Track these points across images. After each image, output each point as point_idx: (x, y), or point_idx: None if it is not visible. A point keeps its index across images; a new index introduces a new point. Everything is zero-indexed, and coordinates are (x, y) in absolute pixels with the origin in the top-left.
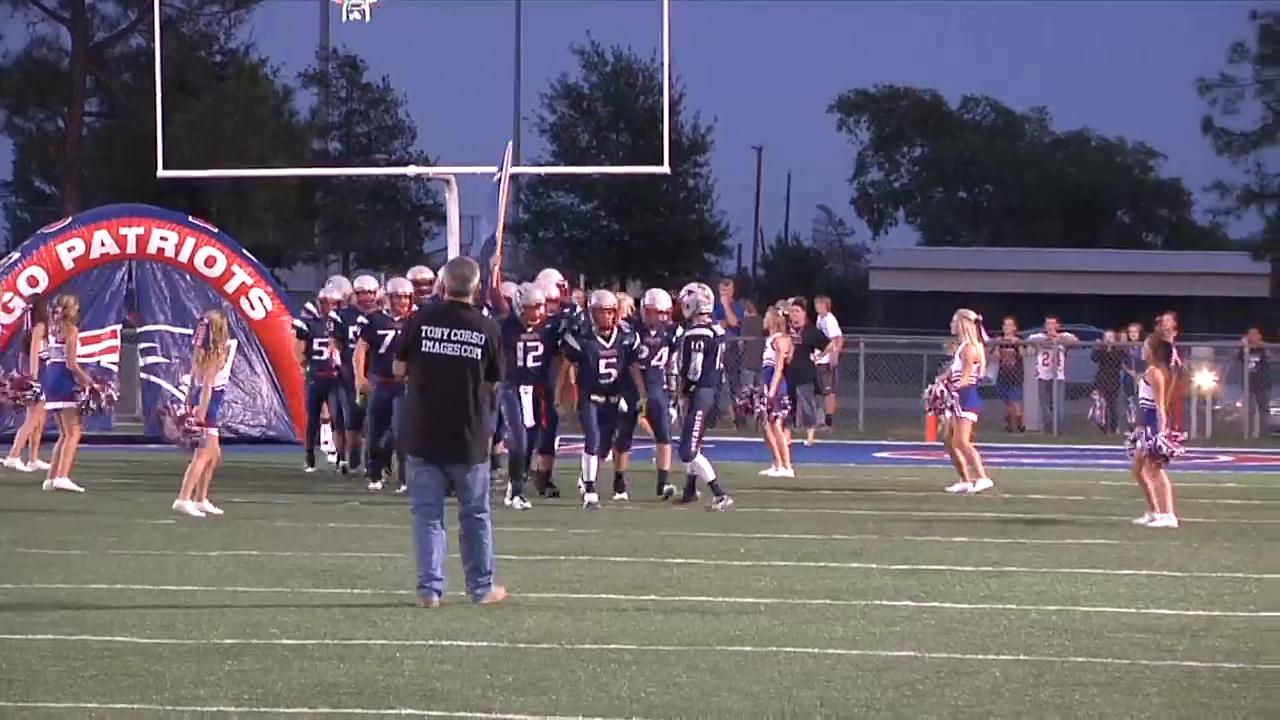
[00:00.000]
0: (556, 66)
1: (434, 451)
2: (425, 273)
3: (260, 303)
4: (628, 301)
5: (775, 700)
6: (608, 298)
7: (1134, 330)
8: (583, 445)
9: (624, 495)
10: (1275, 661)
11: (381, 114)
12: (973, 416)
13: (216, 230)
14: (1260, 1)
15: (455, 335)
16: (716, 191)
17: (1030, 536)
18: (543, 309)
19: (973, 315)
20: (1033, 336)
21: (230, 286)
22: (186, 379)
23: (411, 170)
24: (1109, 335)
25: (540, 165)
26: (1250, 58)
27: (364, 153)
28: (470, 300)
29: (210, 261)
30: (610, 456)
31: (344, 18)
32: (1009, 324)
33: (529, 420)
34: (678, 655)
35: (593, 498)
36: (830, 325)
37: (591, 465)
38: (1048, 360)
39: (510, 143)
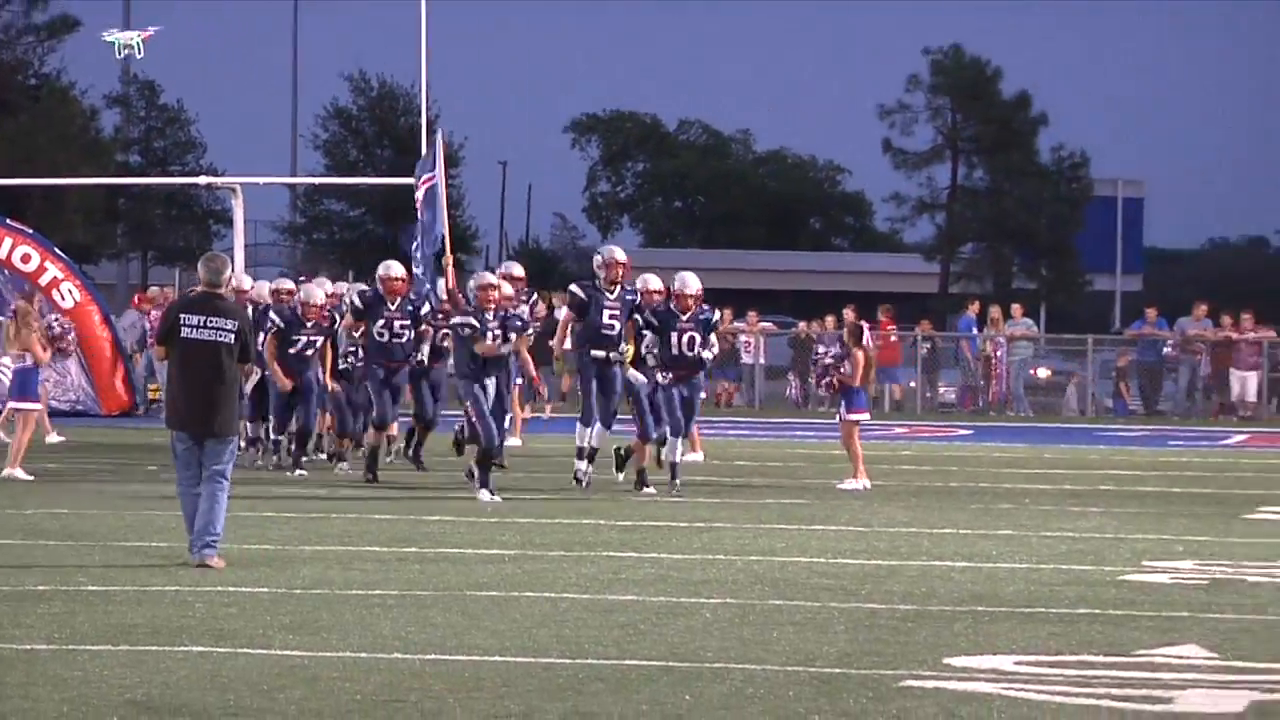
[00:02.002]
0: (329, 90)
1: (193, 425)
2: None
3: (70, 294)
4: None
5: (518, 638)
6: (488, 276)
7: (829, 320)
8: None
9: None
10: (944, 604)
11: (176, 131)
12: (856, 417)
13: (31, 231)
14: (931, 39)
15: (210, 322)
16: (468, 200)
17: (735, 497)
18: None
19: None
20: (735, 325)
21: (44, 280)
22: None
23: (203, 180)
24: (802, 325)
25: (314, 176)
26: (923, 88)
27: (161, 164)
28: (223, 291)
29: (26, 259)
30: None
31: (117, 54)
32: (726, 314)
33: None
34: (433, 599)
35: (582, 465)
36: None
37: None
38: (750, 347)
39: (439, 135)
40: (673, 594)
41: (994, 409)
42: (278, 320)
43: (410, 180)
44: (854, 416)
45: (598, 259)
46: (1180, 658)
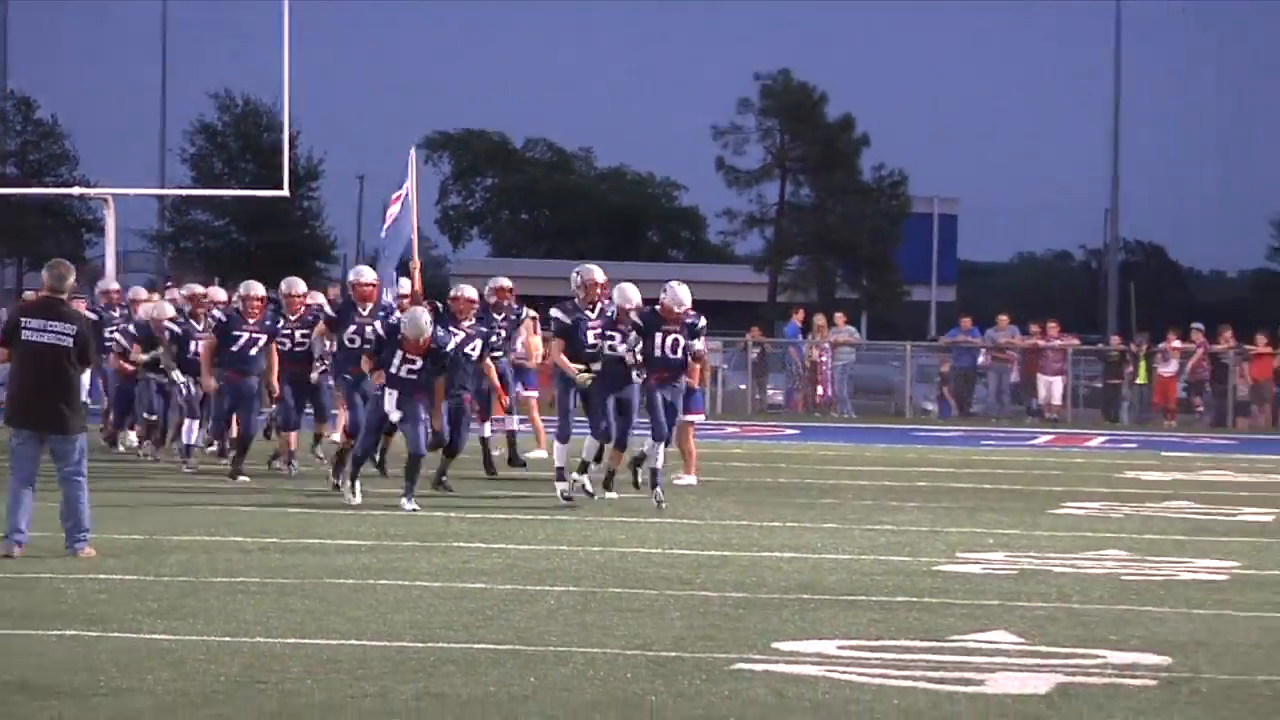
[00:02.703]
0: (196, 107)
1: (34, 423)
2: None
3: None
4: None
5: (373, 623)
6: (468, 289)
7: None
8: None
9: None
10: (773, 592)
11: (51, 144)
12: (692, 418)
13: None
14: (762, 65)
15: (50, 326)
16: (327, 212)
17: (578, 492)
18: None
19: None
20: None
21: None
22: None
23: (76, 190)
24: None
25: (182, 188)
26: (754, 110)
27: (36, 175)
28: (65, 296)
29: None
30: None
31: None
32: None
33: (393, 414)
34: (293, 586)
35: (563, 487)
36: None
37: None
38: None
39: (412, 151)
40: (519, 582)
41: (819, 410)
42: (219, 316)
43: (273, 192)
44: (690, 417)
45: (576, 279)
46: (991, 643)
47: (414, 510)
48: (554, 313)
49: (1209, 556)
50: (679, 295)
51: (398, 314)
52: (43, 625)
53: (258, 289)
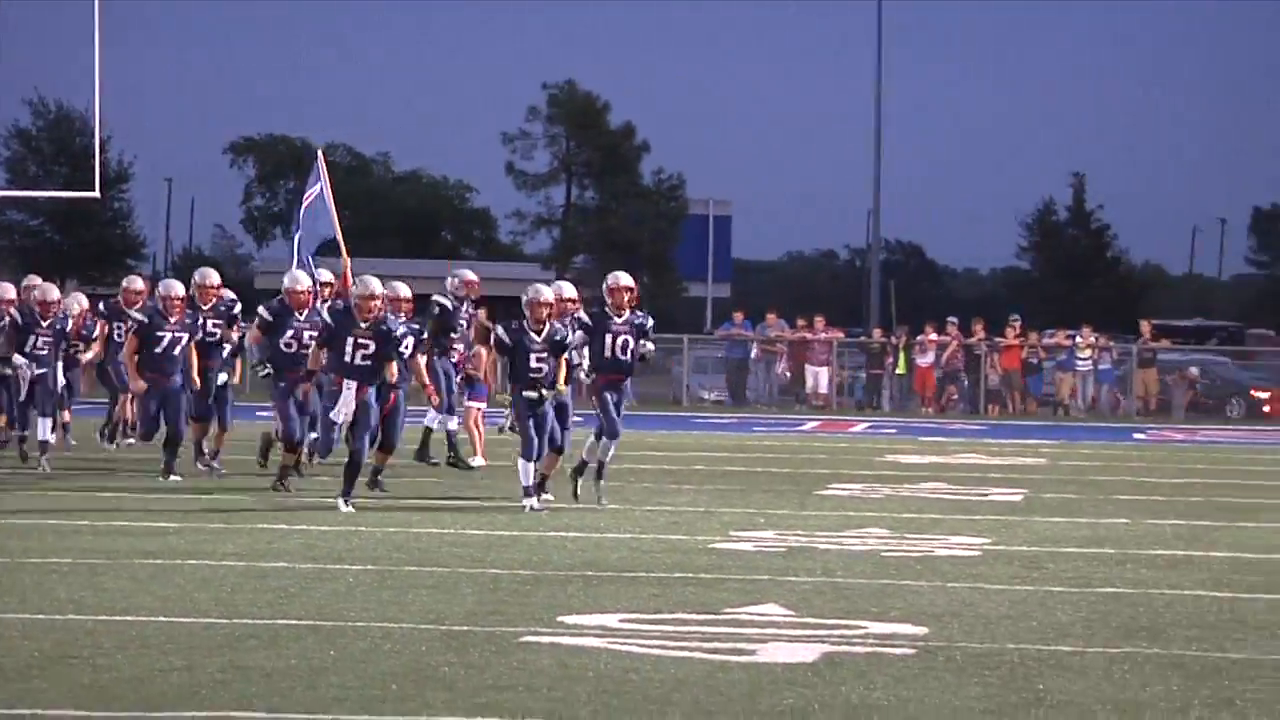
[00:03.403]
0: (9, 113)
1: None
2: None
3: None
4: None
5: (180, 601)
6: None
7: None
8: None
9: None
10: (559, 569)
11: None
12: (477, 404)
13: None
14: (549, 76)
15: None
16: (137, 212)
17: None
18: (377, 304)
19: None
20: None
21: None
22: None
23: None
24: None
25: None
26: (541, 118)
27: None
28: None
29: None
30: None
31: None
32: None
33: (344, 416)
34: (104, 566)
35: (531, 502)
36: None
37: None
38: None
39: (320, 153)
40: (320, 561)
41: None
42: (140, 318)
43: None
44: (474, 404)
45: (523, 299)
46: (762, 615)
47: (350, 512)
48: (498, 330)
49: (962, 534)
50: (620, 277)
51: (324, 306)
52: None
53: (178, 288)
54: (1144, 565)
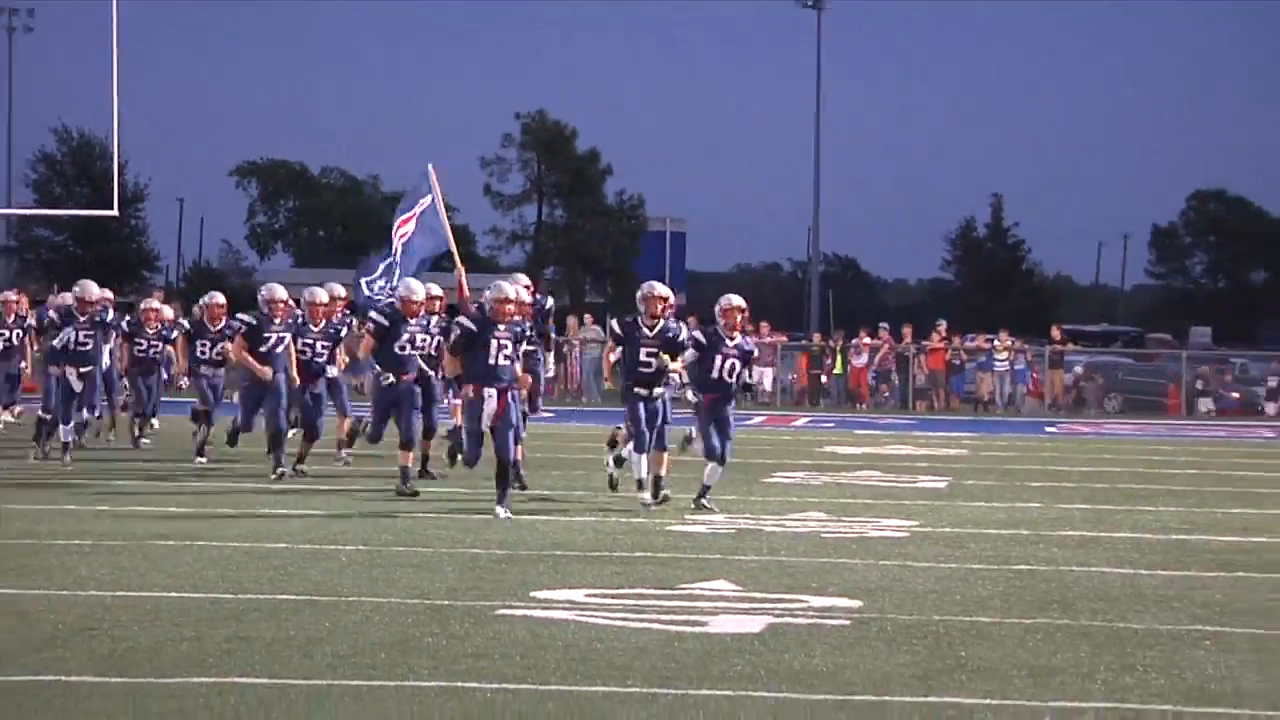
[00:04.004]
0: (37, 139)
1: None
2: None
3: None
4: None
5: (190, 578)
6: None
7: None
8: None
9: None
10: (531, 549)
11: None
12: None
13: None
14: (522, 106)
15: None
16: (152, 229)
17: (365, 466)
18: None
19: None
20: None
21: None
22: None
23: None
24: None
25: (24, 209)
26: (515, 144)
27: None
28: None
29: None
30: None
31: None
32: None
33: (485, 421)
34: (121, 547)
35: (644, 496)
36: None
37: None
38: None
39: (430, 168)
40: (316, 542)
41: (571, 395)
42: (250, 321)
43: (104, 212)
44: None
45: (638, 294)
46: (713, 590)
47: (509, 518)
48: (612, 324)
49: (893, 517)
50: (655, 287)
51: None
52: None
53: (280, 292)
54: (1055, 545)
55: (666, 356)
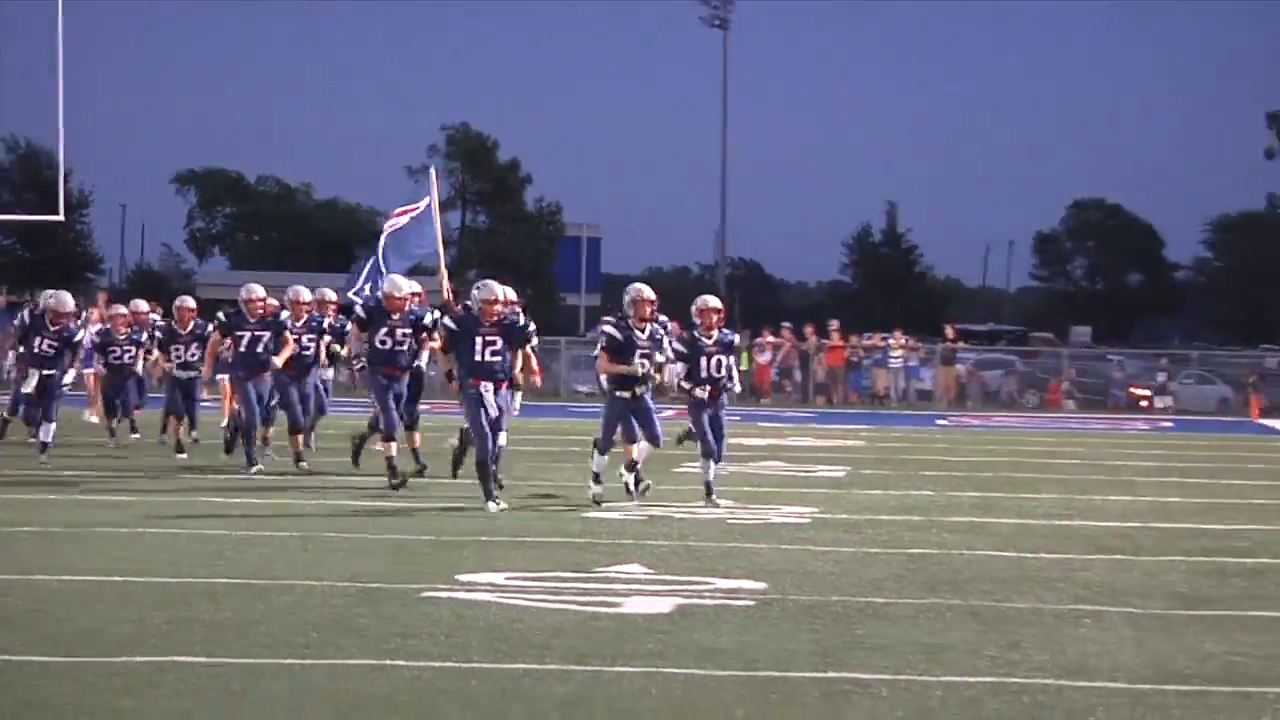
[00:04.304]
0: None
1: None
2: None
3: None
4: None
5: (133, 563)
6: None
7: None
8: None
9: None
10: (455, 535)
11: None
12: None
13: None
14: (446, 119)
15: None
16: (96, 233)
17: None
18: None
19: None
20: None
21: None
22: None
23: None
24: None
25: None
26: (441, 154)
27: None
28: None
29: None
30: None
31: None
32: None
33: (493, 412)
34: (66, 534)
35: (598, 490)
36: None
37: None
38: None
39: (433, 170)
40: (253, 529)
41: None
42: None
43: (51, 217)
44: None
45: (626, 297)
46: (627, 573)
47: (501, 508)
48: (605, 328)
49: (794, 504)
50: (709, 300)
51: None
52: None
53: (305, 294)
54: (946, 530)
55: (648, 365)
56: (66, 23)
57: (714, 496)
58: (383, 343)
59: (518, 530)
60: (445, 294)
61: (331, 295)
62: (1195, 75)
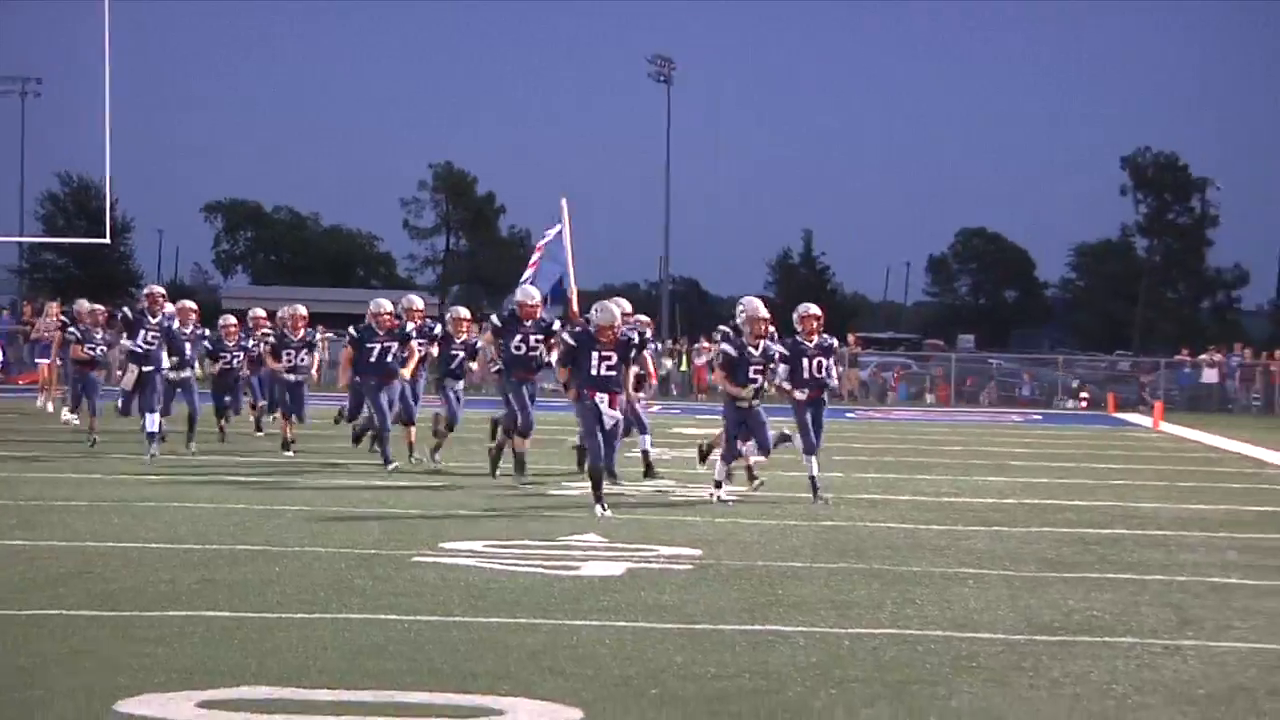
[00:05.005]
0: (45, 183)
1: None
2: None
3: None
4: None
5: (166, 532)
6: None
7: None
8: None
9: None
10: (438, 510)
11: None
12: None
13: None
14: (432, 157)
15: None
16: (136, 254)
17: (308, 444)
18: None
19: None
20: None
21: None
22: None
23: None
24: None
25: (34, 237)
26: (428, 188)
27: None
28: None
29: None
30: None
31: None
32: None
33: (608, 424)
34: (111, 508)
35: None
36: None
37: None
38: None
39: (564, 201)
40: (267, 504)
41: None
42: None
43: (99, 240)
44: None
45: (741, 315)
46: (584, 542)
47: (608, 515)
48: (723, 346)
49: (726, 484)
50: (810, 308)
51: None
52: None
53: (387, 305)
54: (853, 506)
55: (753, 388)
56: (112, 79)
57: (821, 492)
58: (517, 348)
59: (492, 506)
60: (573, 309)
61: (420, 303)
62: (1063, 123)
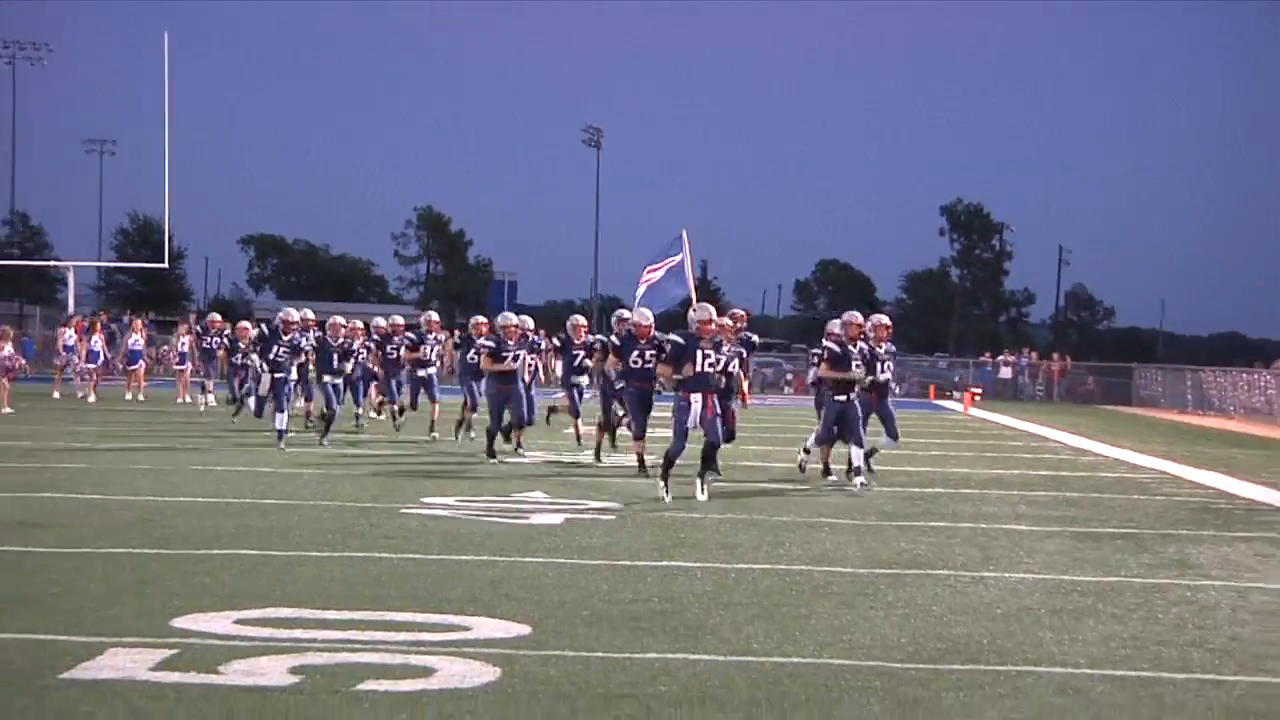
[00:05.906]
0: (119, 220)
1: None
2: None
3: None
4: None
5: (211, 489)
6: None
7: None
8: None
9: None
10: (421, 475)
11: (36, 238)
12: None
13: None
14: (417, 201)
15: None
16: (188, 277)
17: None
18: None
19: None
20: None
21: None
22: None
23: (51, 263)
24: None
25: (109, 262)
26: (413, 226)
27: (26, 255)
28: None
29: None
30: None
31: None
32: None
33: (694, 422)
34: (168, 470)
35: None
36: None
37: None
38: None
39: (684, 230)
40: (290, 468)
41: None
42: (488, 343)
43: (158, 266)
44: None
45: (837, 324)
46: (533, 498)
47: (703, 499)
48: (828, 343)
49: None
50: (872, 318)
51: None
52: (34, 490)
53: (511, 318)
54: (739, 471)
55: (862, 369)
56: (174, 137)
57: (861, 475)
58: (635, 362)
59: (462, 471)
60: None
61: (516, 319)
62: (898, 177)
